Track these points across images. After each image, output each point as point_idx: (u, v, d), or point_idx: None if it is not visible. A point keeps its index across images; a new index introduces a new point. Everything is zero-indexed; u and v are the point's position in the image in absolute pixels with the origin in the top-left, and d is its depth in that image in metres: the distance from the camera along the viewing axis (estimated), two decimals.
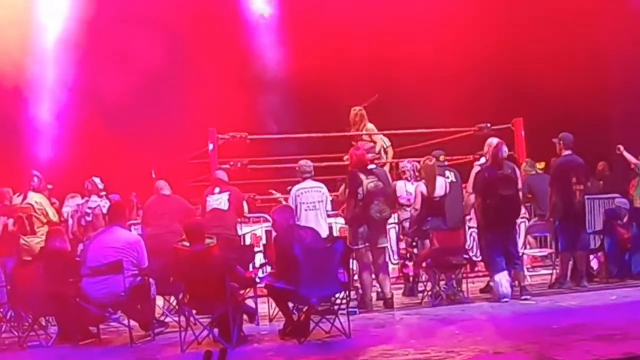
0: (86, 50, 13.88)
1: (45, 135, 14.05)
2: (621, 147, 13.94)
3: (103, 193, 11.71)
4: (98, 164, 12.86)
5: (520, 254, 11.14)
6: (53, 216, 11.48)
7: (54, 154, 13.41)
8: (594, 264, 12.36)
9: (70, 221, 11.73)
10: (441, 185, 10.94)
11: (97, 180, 11.74)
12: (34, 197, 11.44)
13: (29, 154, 13.55)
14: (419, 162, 12.05)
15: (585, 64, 15.40)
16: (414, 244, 11.07)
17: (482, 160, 11.39)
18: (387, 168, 12.29)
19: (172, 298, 9.84)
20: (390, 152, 13.68)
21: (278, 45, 15.68)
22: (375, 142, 13.04)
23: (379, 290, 10.72)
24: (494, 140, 11.31)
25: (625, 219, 12.27)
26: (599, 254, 12.27)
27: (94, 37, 13.80)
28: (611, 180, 14.90)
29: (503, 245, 10.56)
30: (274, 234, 9.94)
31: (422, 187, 10.94)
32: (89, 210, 11.63)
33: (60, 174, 12.32)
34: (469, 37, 15.06)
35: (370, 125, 13.34)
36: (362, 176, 10.26)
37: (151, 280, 9.17)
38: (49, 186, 11.81)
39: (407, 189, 11.44)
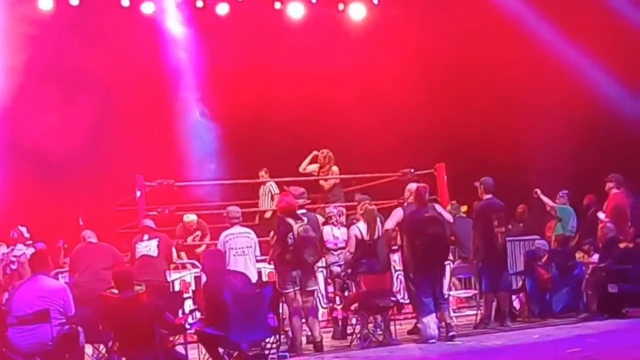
0: (12, 97, 13.76)
1: None
2: (538, 191, 14.39)
3: (29, 242, 11.60)
4: (25, 212, 12.70)
5: (446, 296, 11.35)
6: None
7: None
8: (516, 304, 12.67)
9: None
10: (378, 229, 11.13)
11: (23, 229, 11.64)
12: None
13: None
14: (345, 207, 12.31)
15: (504, 112, 15.93)
16: (346, 286, 11.19)
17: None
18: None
19: (102, 346, 9.74)
20: (276, 198, 13.95)
21: (204, 91, 15.78)
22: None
23: (309, 334, 10.80)
24: (414, 185, 11.58)
25: (544, 260, 12.65)
26: (521, 294, 12.60)
27: (20, 84, 13.70)
28: (530, 223, 15.36)
29: (431, 286, 10.74)
30: (203, 279, 9.96)
31: (356, 230, 11.04)
32: (14, 259, 11.50)
33: None
34: (392, 85, 15.44)
35: (335, 168, 13.76)
36: (291, 221, 10.38)
37: (79, 328, 9.07)
38: None
39: (334, 233, 11.60)
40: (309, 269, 10.48)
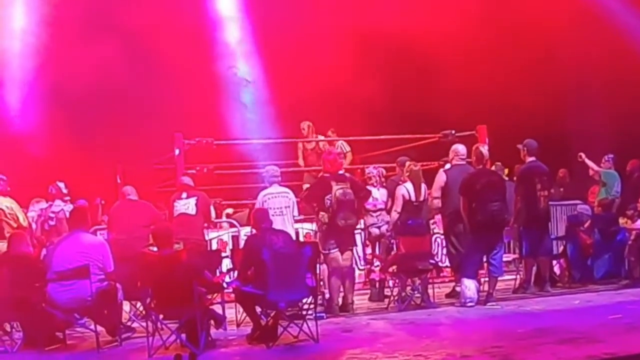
0: (50, 54, 13.76)
1: (9, 139, 13.91)
2: (583, 155, 14.17)
3: (67, 198, 11.64)
4: (63, 168, 12.74)
5: (502, 269, 11.20)
6: (23, 221, 11.27)
7: (20, 159, 13.22)
8: (557, 269, 12.52)
9: (34, 226, 11.62)
10: (423, 190, 10.98)
11: (61, 184, 11.69)
12: (4, 202, 11.23)
13: None
14: (385, 168, 12.18)
15: (548, 73, 15.61)
16: (391, 246, 11.10)
17: (448, 166, 11.49)
18: None
19: (139, 303, 9.78)
20: (350, 157, 13.84)
21: (244, 50, 15.65)
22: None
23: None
24: (459, 146, 11.43)
25: (586, 225, 12.46)
26: (562, 259, 12.44)
27: (58, 41, 13.69)
28: (571, 187, 15.13)
29: (484, 251, 10.64)
30: (241, 239, 9.92)
31: (403, 190, 10.91)
32: (52, 215, 11.58)
33: (24, 178, 12.14)
34: (434, 45, 15.17)
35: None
36: (333, 183, 10.31)
37: (118, 285, 9.11)
38: (7, 189, 11.57)
39: (373, 194, 11.49)
40: (347, 232, 10.38)
